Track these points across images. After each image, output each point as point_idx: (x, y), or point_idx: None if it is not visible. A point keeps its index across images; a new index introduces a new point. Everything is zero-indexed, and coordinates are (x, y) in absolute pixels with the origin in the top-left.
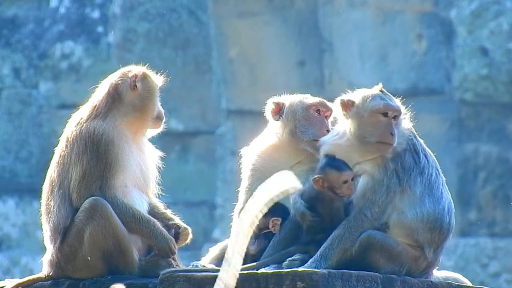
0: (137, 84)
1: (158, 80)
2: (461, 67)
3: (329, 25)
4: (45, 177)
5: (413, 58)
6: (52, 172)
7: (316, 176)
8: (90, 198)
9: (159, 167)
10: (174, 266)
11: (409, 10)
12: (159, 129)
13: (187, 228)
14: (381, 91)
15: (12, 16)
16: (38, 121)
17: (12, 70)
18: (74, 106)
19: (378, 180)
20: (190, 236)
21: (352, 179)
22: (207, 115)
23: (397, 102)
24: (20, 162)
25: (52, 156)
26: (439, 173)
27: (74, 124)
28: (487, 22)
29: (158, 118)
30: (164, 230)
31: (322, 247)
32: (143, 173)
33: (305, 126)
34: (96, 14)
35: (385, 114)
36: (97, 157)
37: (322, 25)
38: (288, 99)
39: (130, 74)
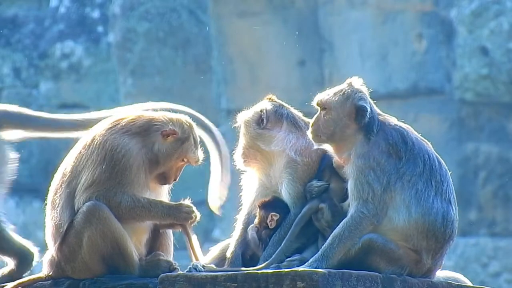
0: (169, 137)
1: (192, 153)
2: (461, 66)
3: (329, 25)
4: (48, 176)
5: (413, 58)
6: (68, 163)
7: None
8: (88, 202)
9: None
10: (173, 264)
11: (409, 10)
12: (160, 185)
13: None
14: (349, 85)
15: (12, 15)
16: None
17: (12, 70)
18: (74, 106)
19: (357, 179)
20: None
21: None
22: (207, 115)
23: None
24: (20, 162)
25: (52, 156)
26: (430, 182)
27: (106, 127)
28: (488, 22)
29: (162, 177)
30: (172, 203)
31: (323, 246)
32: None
33: None
34: (96, 14)
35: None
36: (110, 174)
37: (322, 25)
38: None
39: (172, 126)
